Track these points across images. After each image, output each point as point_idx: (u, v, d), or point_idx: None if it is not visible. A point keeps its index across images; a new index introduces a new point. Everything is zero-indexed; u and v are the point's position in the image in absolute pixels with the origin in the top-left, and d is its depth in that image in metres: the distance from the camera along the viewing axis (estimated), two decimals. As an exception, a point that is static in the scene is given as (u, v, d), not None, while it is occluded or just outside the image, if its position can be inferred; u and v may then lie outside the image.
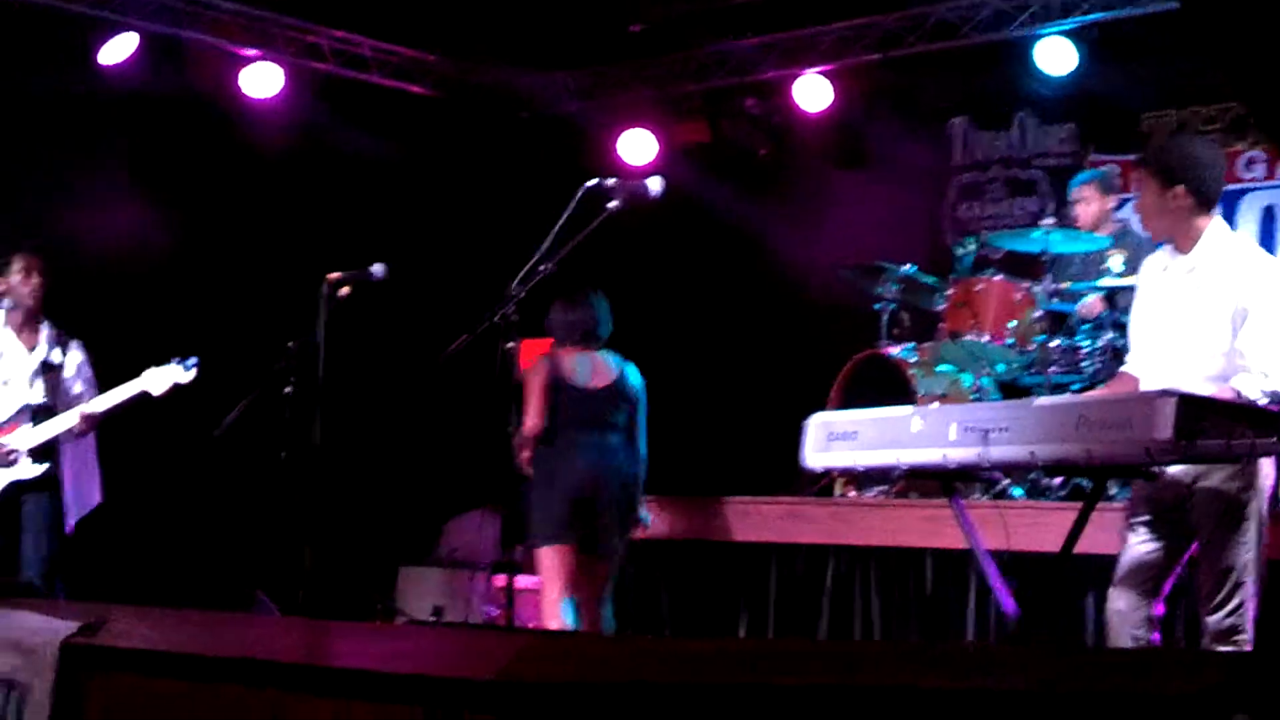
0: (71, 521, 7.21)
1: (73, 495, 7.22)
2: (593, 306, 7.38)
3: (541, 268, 6.03)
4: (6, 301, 7.18)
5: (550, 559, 7.10)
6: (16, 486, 7.08)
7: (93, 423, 7.06)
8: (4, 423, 7.13)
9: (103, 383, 7.27)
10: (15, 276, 7.17)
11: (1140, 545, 5.21)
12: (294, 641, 3.63)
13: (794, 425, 5.69)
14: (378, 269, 6.40)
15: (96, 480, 7.36)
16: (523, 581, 7.33)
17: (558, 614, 7.00)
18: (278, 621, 5.22)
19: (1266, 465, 5.08)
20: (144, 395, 7.03)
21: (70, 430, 7.07)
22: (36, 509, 7.07)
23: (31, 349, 7.22)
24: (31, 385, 7.18)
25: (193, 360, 7.02)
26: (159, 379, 7.00)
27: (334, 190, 10.21)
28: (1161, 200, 5.26)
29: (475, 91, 10.97)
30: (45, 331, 7.25)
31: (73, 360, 7.27)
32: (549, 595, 7.09)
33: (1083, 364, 7.87)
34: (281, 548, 6.37)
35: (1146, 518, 5.20)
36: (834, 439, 5.44)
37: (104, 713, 3.76)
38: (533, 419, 7.08)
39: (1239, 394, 4.97)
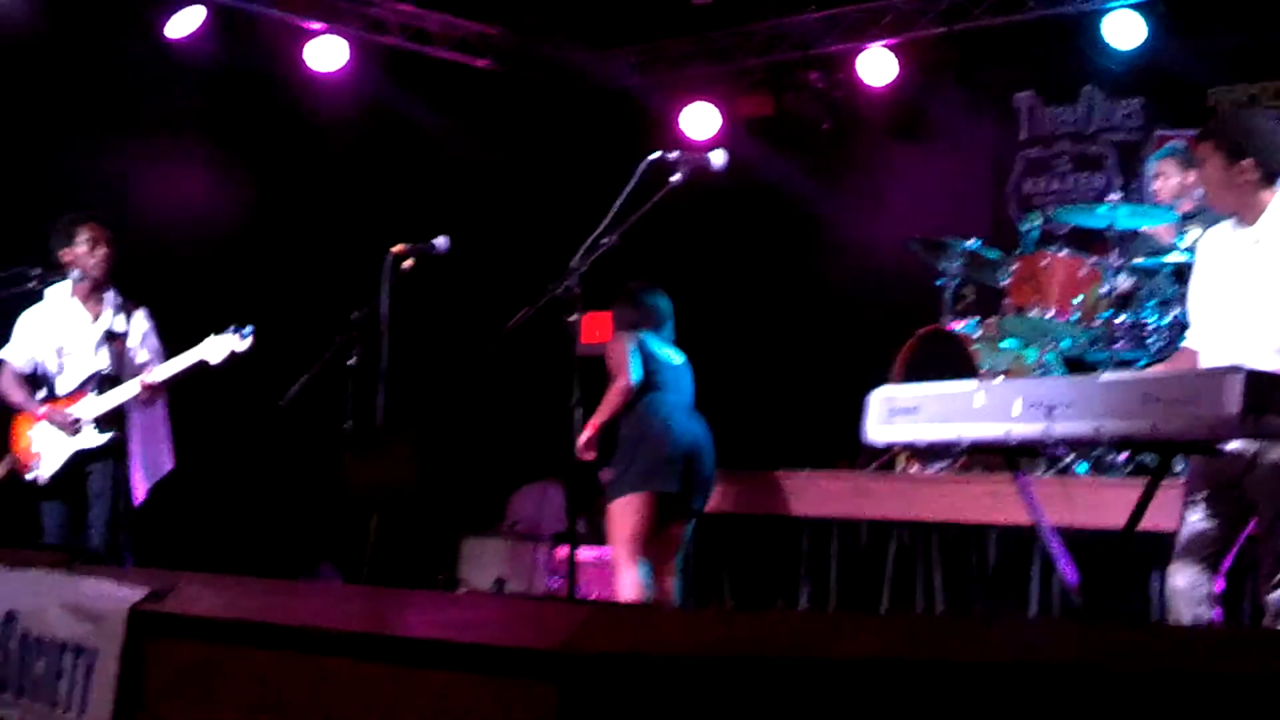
0: (142, 490, 7.24)
1: (142, 463, 7.26)
2: (665, 298, 7.65)
3: (604, 241, 6.03)
4: (74, 272, 7.21)
5: (633, 508, 7.23)
6: (82, 455, 7.13)
7: (155, 390, 7.07)
8: (70, 392, 7.19)
9: (171, 352, 7.31)
10: (82, 247, 7.20)
11: (1200, 521, 5.17)
12: (357, 610, 3.65)
13: (857, 400, 5.68)
14: (441, 242, 6.41)
15: (167, 447, 7.39)
16: (585, 554, 7.37)
17: (633, 568, 7.11)
18: (342, 590, 5.26)
19: None
20: (203, 364, 7.06)
21: (135, 398, 7.11)
22: (103, 477, 7.11)
23: (96, 318, 7.27)
24: (96, 354, 7.23)
25: (249, 329, 7.04)
26: (217, 347, 7.03)
27: (398, 163, 10.25)
28: (1228, 174, 5.22)
29: (539, 65, 10.98)
30: (111, 300, 7.29)
31: (137, 328, 7.29)
32: (623, 551, 7.20)
33: (1148, 340, 7.80)
34: (346, 519, 6.42)
35: (1206, 493, 5.17)
36: (896, 414, 5.42)
37: (170, 678, 3.79)
38: (626, 376, 7.24)
39: None
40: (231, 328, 7.04)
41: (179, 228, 8.83)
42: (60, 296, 7.29)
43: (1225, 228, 5.41)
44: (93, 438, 7.11)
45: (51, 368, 7.29)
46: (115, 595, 3.91)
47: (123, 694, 3.82)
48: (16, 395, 7.30)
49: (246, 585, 4.06)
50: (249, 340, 7.02)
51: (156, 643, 3.84)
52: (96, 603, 3.95)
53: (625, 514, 7.23)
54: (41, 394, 7.28)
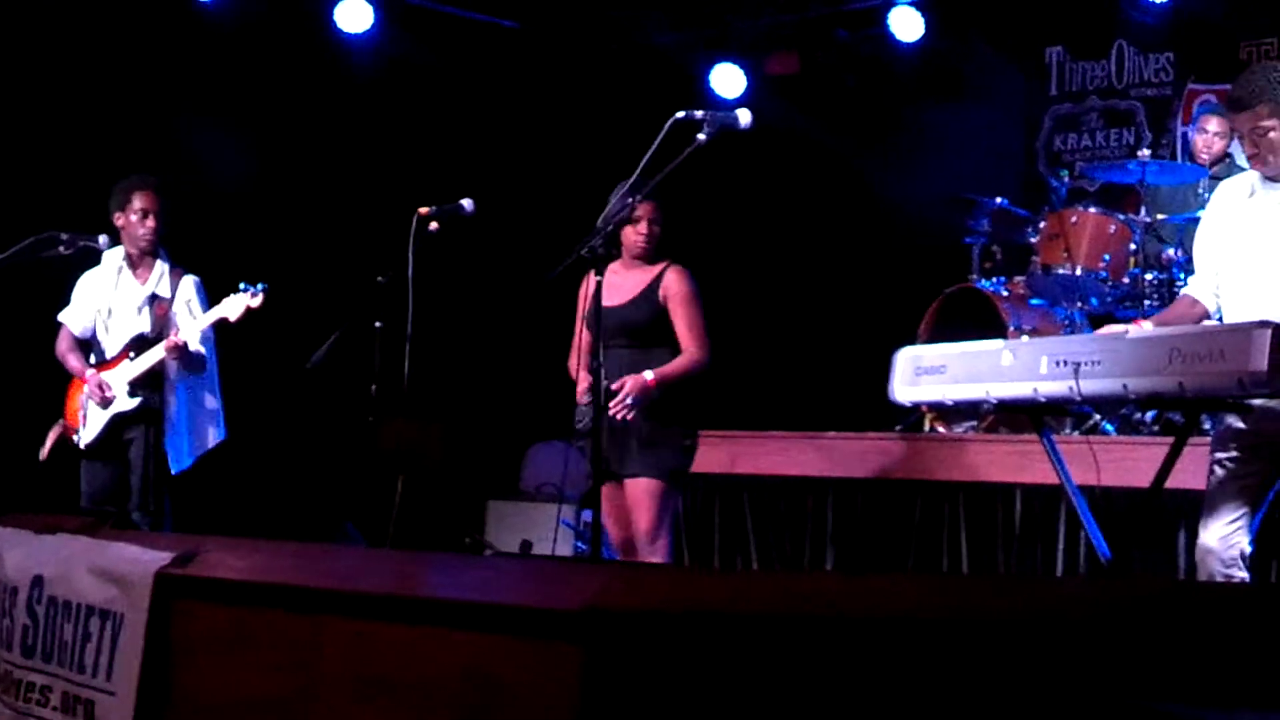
0: (183, 461, 7.22)
1: (187, 432, 7.25)
2: None
3: (630, 200, 6.03)
4: (124, 238, 7.24)
5: (676, 490, 6.54)
6: (120, 420, 7.16)
7: (181, 353, 7.07)
8: (114, 356, 7.21)
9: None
10: (133, 216, 7.18)
11: (1230, 480, 5.14)
12: (382, 572, 3.67)
13: (884, 360, 5.67)
14: (467, 204, 6.41)
15: (215, 419, 7.35)
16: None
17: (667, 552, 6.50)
18: (366, 553, 5.28)
19: None
20: (224, 320, 7.05)
21: (176, 366, 7.11)
22: (139, 442, 7.13)
23: (145, 282, 7.29)
24: (139, 317, 7.25)
25: (261, 285, 7.02)
26: (233, 305, 7.02)
27: (425, 124, 10.25)
28: None
29: (566, 23, 10.94)
30: (160, 265, 7.29)
31: (183, 293, 7.26)
32: (664, 531, 6.39)
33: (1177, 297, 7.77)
34: (372, 481, 6.44)
35: (1235, 454, 5.13)
36: (922, 373, 5.42)
37: (197, 642, 3.81)
38: (708, 351, 6.41)
39: None
40: (243, 285, 7.03)
41: (208, 190, 8.84)
42: (114, 260, 7.31)
43: (1247, 181, 5.34)
44: (126, 402, 7.13)
45: (100, 331, 7.31)
46: (141, 559, 3.93)
47: (149, 658, 3.84)
48: (71, 360, 7.32)
49: (273, 548, 4.08)
50: (260, 297, 6.99)
51: (183, 606, 3.86)
52: (123, 567, 3.97)
53: (667, 496, 6.37)
54: (92, 358, 7.31)
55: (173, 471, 7.14)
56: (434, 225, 6.24)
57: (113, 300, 7.29)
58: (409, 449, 6.73)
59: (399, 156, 9.92)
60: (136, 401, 7.11)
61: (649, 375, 6.18)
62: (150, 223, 7.19)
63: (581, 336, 6.45)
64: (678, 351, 6.31)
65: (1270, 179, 5.22)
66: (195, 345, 7.10)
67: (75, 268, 7.30)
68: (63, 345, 7.37)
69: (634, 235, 6.34)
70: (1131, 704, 3.09)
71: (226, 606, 3.76)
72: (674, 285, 6.35)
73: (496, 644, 3.04)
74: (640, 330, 6.30)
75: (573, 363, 6.47)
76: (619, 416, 6.11)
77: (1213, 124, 8.20)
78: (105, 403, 7.11)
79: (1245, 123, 5.15)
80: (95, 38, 9.05)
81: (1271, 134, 5.11)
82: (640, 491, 6.28)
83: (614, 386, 6.09)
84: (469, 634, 3.11)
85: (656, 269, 6.40)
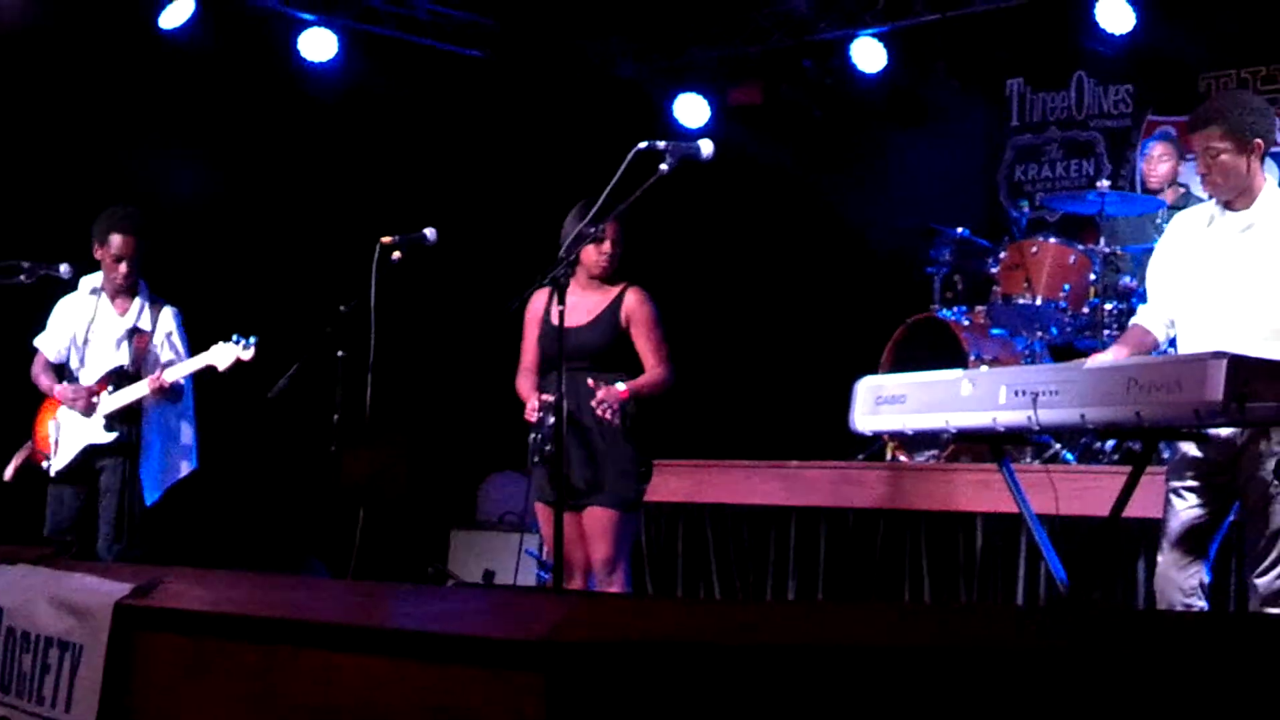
0: (152, 493, 7.19)
1: (158, 465, 7.21)
2: None
3: (593, 230, 6.05)
4: (117, 281, 7.22)
5: (636, 521, 6.60)
6: (93, 450, 7.14)
7: (165, 392, 7.06)
8: (89, 386, 7.19)
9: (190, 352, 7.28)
10: (109, 257, 7.17)
11: (1188, 509, 5.17)
12: (345, 603, 3.66)
13: (847, 388, 5.69)
14: (430, 233, 6.41)
15: (186, 451, 7.32)
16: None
17: (626, 580, 6.44)
18: (329, 584, 5.27)
19: None
20: (211, 369, 7.05)
21: (145, 398, 7.09)
22: (113, 474, 7.11)
23: (124, 313, 7.26)
24: (117, 349, 7.22)
25: (253, 339, 7.01)
26: (223, 355, 7.01)
27: (388, 153, 10.25)
28: (1238, 158, 5.16)
29: (530, 54, 10.97)
30: (140, 297, 7.28)
31: (163, 326, 7.23)
32: (621, 560, 6.33)
33: (1137, 327, 7.82)
34: (334, 512, 6.42)
35: (1191, 483, 5.17)
36: (883, 402, 5.44)
37: (157, 673, 3.79)
38: (672, 372, 6.38)
39: None
40: (236, 336, 7.02)
41: (169, 218, 8.82)
42: (91, 286, 7.29)
43: (1204, 211, 5.38)
44: (100, 434, 7.10)
45: (74, 360, 7.29)
46: (100, 590, 3.91)
47: (109, 689, 3.82)
48: (43, 380, 7.31)
49: (233, 579, 4.07)
50: (252, 351, 6.98)
51: (143, 637, 3.84)
52: (82, 598, 3.95)
53: (626, 528, 6.36)
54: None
55: (146, 502, 7.12)
56: (397, 254, 6.24)
57: (90, 329, 7.26)
58: (371, 479, 6.72)
59: (362, 185, 9.92)
60: (113, 436, 7.09)
61: (622, 386, 6.18)
62: (123, 269, 7.18)
63: (531, 357, 6.47)
64: (636, 374, 6.32)
65: (1228, 207, 5.26)
66: (178, 377, 7.10)
67: (38, 295, 7.29)
68: (36, 368, 7.35)
69: (596, 254, 6.30)
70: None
71: (186, 637, 3.74)
72: (636, 308, 6.35)
73: (459, 675, 3.04)
74: (600, 353, 6.29)
75: (521, 383, 6.44)
76: (603, 414, 6.10)
77: (1157, 149, 8.29)
78: (90, 409, 7.07)
79: (1199, 142, 5.21)
80: (60, 64, 9.03)
81: (1223, 156, 5.16)
82: (596, 521, 6.27)
83: (594, 386, 6.10)
84: (431, 665, 3.10)
85: (615, 290, 6.40)
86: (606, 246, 6.32)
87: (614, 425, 6.10)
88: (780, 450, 8.35)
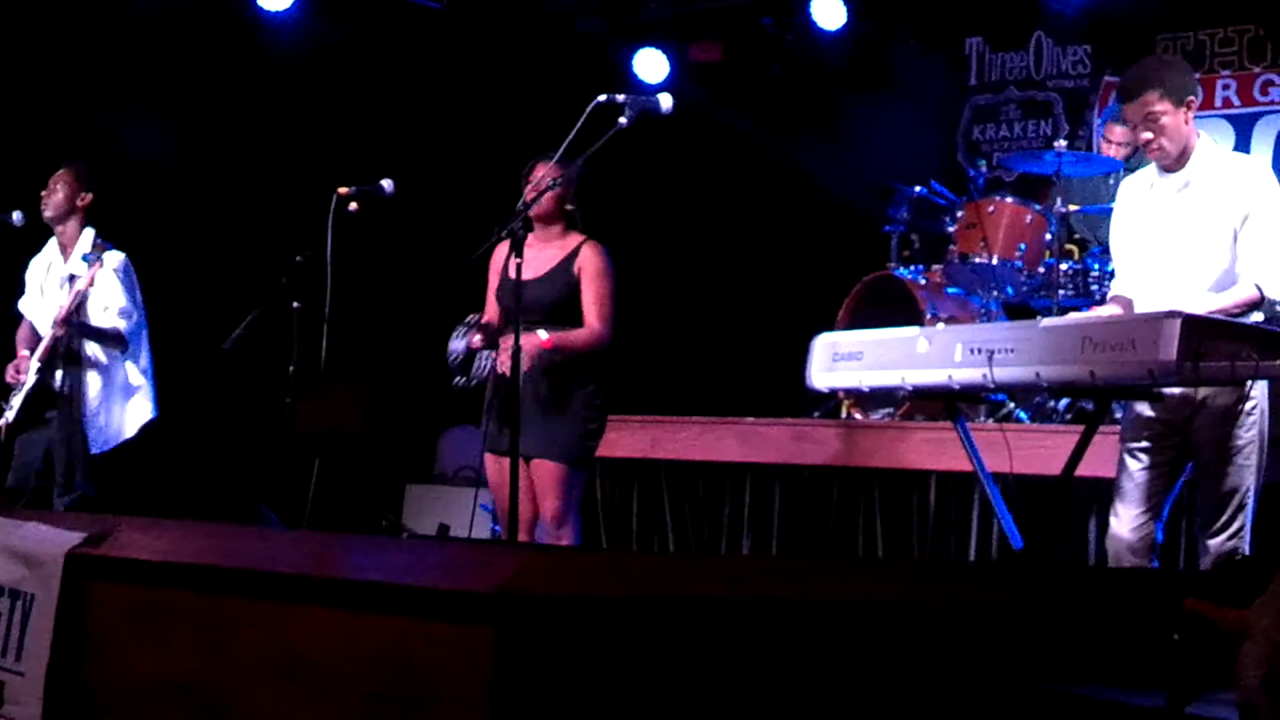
0: (107, 441, 7.14)
1: (105, 414, 7.16)
2: None
3: (550, 183, 6.04)
4: (46, 213, 7.22)
5: (584, 476, 6.58)
6: (35, 399, 7.10)
7: (64, 325, 7.00)
8: (44, 337, 7.16)
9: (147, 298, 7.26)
10: (45, 193, 7.21)
11: (1142, 470, 5.20)
12: (297, 554, 3.66)
13: (802, 346, 5.70)
14: (387, 184, 6.38)
15: (143, 396, 7.25)
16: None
17: (575, 534, 6.49)
18: (282, 534, 5.26)
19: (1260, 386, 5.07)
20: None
21: (76, 340, 7.05)
22: (55, 425, 7.09)
23: (66, 261, 7.24)
24: (60, 293, 7.20)
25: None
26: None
27: (345, 105, 10.18)
28: (1177, 118, 5.19)
29: (489, 5, 10.90)
30: (84, 243, 7.23)
31: (103, 272, 7.18)
32: (571, 514, 6.38)
33: (1092, 287, 7.86)
34: (288, 463, 6.41)
35: (1145, 443, 5.20)
36: (839, 359, 5.46)
37: (109, 623, 3.79)
38: (609, 331, 6.37)
39: (1260, 293, 4.97)
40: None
41: (125, 168, 8.76)
42: (53, 244, 7.34)
43: (1146, 175, 5.42)
44: (30, 377, 7.07)
45: (36, 312, 7.32)
46: (52, 539, 3.90)
47: (60, 639, 3.81)
48: (19, 346, 7.34)
49: (186, 529, 4.06)
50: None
51: (95, 586, 3.84)
52: (33, 547, 3.94)
53: (574, 480, 6.38)
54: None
55: (93, 451, 7.09)
56: (353, 206, 6.21)
57: (44, 280, 7.29)
58: (327, 431, 6.70)
59: (319, 136, 9.85)
60: (35, 379, 7.05)
61: (543, 334, 6.14)
62: (56, 195, 7.22)
63: (491, 310, 6.47)
64: None
65: (1165, 169, 5.29)
66: (99, 321, 7.03)
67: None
68: (19, 335, 7.41)
69: (530, 193, 6.28)
70: (1041, 688, 3.13)
71: (139, 587, 3.73)
72: (588, 261, 6.34)
73: (412, 626, 3.05)
74: (552, 307, 6.28)
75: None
76: (500, 370, 6.08)
77: (1116, 133, 8.28)
78: (16, 384, 7.08)
79: (1136, 112, 5.21)
80: (13, 15, 8.93)
81: (1164, 119, 5.17)
82: (545, 475, 6.28)
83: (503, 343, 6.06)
84: (384, 616, 3.11)
85: (572, 244, 6.39)
86: (532, 182, 6.29)
87: (525, 371, 5.97)
88: (736, 407, 8.37)
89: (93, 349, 7.10)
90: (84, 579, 3.83)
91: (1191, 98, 5.20)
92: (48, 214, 7.24)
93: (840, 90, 10.29)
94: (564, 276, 6.32)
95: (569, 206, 6.41)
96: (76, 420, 7.06)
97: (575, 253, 6.36)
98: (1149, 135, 5.20)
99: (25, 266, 7.47)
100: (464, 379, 6.31)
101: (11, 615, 3.94)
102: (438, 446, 10.18)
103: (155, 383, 7.33)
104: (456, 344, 6.31)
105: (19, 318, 7.44)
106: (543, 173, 6.25)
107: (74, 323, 6.98)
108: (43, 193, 7.25)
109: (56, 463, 7.07)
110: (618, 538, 8.29)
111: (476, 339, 6.26)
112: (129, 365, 7.24)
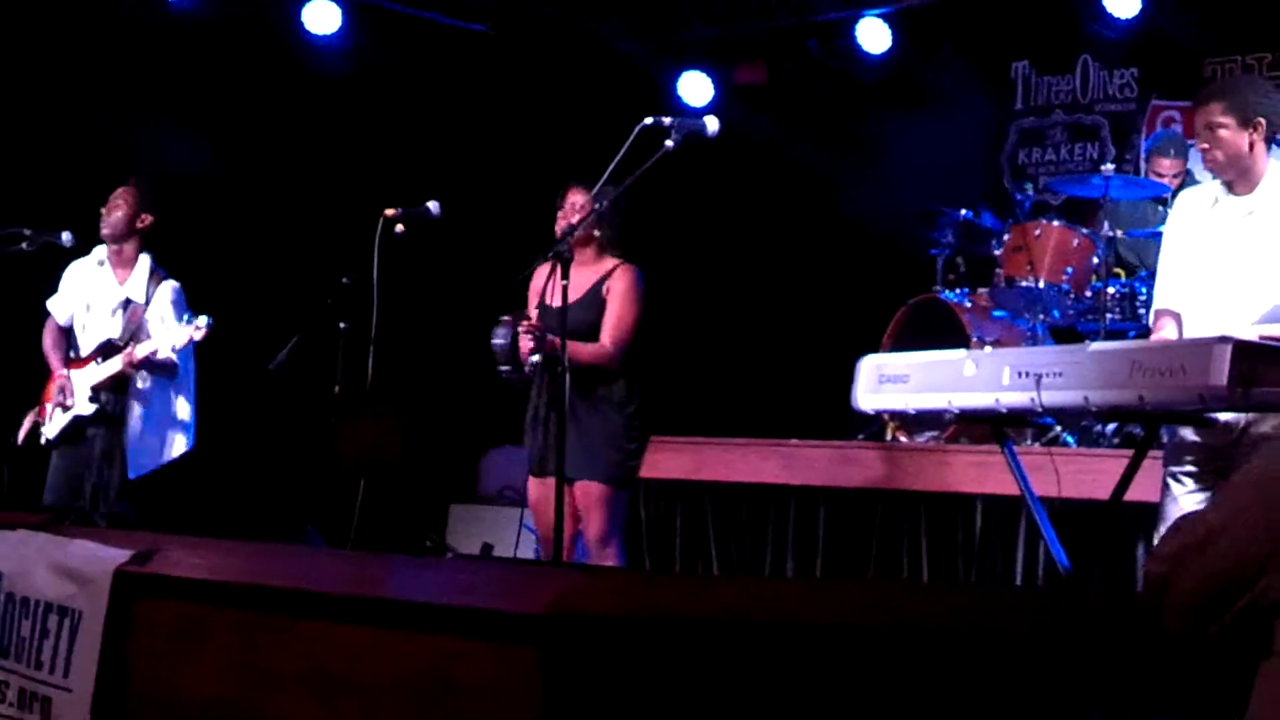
0: (143, 467, 7.13)
1: (147, 440, 7.18)
2: None
3: (596, 206, 6.05)
4: (104, 230, 7.22)
5: (628, 497, 6.61)
6: (81, 419, 7.13)
7: (135, 366, 7.01)
8: (86, 355, 7.17)
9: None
10: (106, 209, 7.20)
11: (1184, 495, 5.16)
12: (342, 573, 3.66)
13: (848, 368, 5.68)
14: (433, 206, 6.40)
15: (184, 428, 7.25)
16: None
17: (620, 555, 6.56)
18: (327, 554, 5.27)
19: None
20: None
21: (122, 373, 7.06)
22: (100, 443, 7.10)
23: (122, 284, 7.24)
24: (112, 319, 7.20)
25: (207, 318, 6.94)
26: (177, 336, 6.96)
27: (392, 126, 10.23)
28: (1239, 136, 5.15)
29: (534, 28, 10.94)
30: (141, 268, 7.24)
31: (160, 300, 7.17)
32: (615, 535, 6.45)
33: (1140, 310, 7.81)
34: (333, 484, 6.42)
35: (1189, 468, 5.16)
36: (885, 381, 5.44)
37: (155, 640, 3.80)
38: (623, 349, 6.42)
39: None
40: (188, 316, 7.00)
41: (173, 189, 8.81)
42: (100, 253, 7.29)
43: (1208, 192, 5.37)
44: (84, 406, 7.10)
45: (76, 327, 7.30)
46: (101, 557, 3.92)
47: (107, 655, 3.83)
48: (53, 359, 7.29)
49: (232, 548, 4.07)
50: (204, 331, 6.91)
51: (142, 604, 3.85)
52: (82, 564, 3.96)
53: (619, 505, 6.45)
54: (72, 352, 7.29)
55: (130, 476, 7.10)
56: (400, 227, 6.23)
57: (91, 295, 7.26)
58: (371, 451, 6.70)
59: (365, 158, 9.90)
60: (94, 407, 7.07)
61: (555, 338, 6.11)
62: (117, 214, 7.18)
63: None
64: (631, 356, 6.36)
65: (1231, 190, 5.25)
66: (165, 354, 7.05)
67: (40, 263, 7.29)
68: (47, 340, 7.34)
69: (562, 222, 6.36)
70: (1094, 718, 3.11)
71: (185, 604, 3.75)
72: (616, 283, 6.38)
73: (456, 646, 3.04)
74: (585, 330, 6.30)
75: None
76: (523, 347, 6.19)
77: (1164, 165, 8.22)
78: (64, 408, 7.09)
79: (1201, 118, 5.21)
80: (63, 33, 9.01)
81: (1222, 131, 5.15)
82: (588, 496, 6.29)
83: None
84: (428, 636, 3.11)
85: (606, 267, 6.42)
86: (564, 207, 6.34)
87: (524, 357, 6.16)
88: (780, 429, 8.35)
89: (143, 377, 7.13)
90: (131, 597, 3.85)
91: (1260, 120, 5.14)
92: (105, 231, 7.18)
93: (885, 113, 10.27)
94: (596, 299, 6.36)
95: (596, 233, 6.42)
96: (118, 443, 7.09)
97: (608, 275, 6.40)
98: (1205, 145, 5.20)
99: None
100: (510, 369, 6.34)
101: (59, 632, 3.96)
102: (480, 467, 10.19)
103: (197, 410, 7.35)
104: (500, 340, 6.37)
105: (43, 317, 7.37)
106: (574, 198, 6.28)
107: (139, 362, 7.00)
108: (103, 208, 7.20)
109: (88, 480, 7.07)
110: (661, 560, 8.27)
111: (526, 344, 6.27)
112: (179, 399, 7.25)
